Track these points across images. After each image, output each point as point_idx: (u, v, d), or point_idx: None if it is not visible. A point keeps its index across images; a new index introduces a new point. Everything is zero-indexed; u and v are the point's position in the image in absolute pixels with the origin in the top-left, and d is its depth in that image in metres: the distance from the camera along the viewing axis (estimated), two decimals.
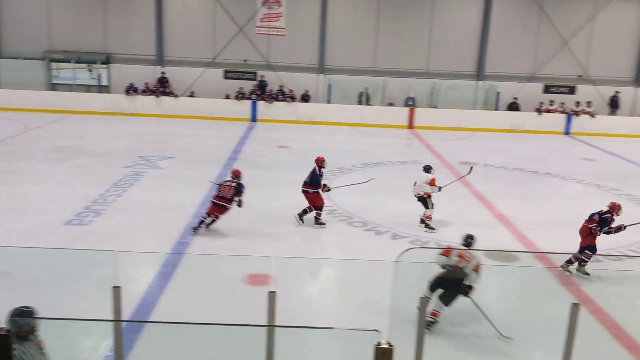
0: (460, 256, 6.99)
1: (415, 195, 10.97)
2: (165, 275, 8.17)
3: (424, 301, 3.70)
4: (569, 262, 8.94)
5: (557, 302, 5.38)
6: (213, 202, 9.97)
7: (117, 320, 3.87)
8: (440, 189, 10.98)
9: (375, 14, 24.11)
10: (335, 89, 23.98)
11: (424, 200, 10.86)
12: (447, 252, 7.17)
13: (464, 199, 13.00)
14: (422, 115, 22.88)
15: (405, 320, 5.16)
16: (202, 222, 9.91)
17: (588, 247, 8.87)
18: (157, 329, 6.36)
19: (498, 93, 24.01)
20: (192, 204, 11.52)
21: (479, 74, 24.53)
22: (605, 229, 8.91)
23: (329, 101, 23.92)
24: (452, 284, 6.74)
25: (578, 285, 8.08)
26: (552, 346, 4.82)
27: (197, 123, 21.90)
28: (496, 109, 24.03)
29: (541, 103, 23.38)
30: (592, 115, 22.74)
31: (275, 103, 22.94)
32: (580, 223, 11.52)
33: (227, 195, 9.96)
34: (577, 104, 23.16)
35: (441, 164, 16.49)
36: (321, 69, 24.34)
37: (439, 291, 6.71)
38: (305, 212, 10.76)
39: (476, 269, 6.87)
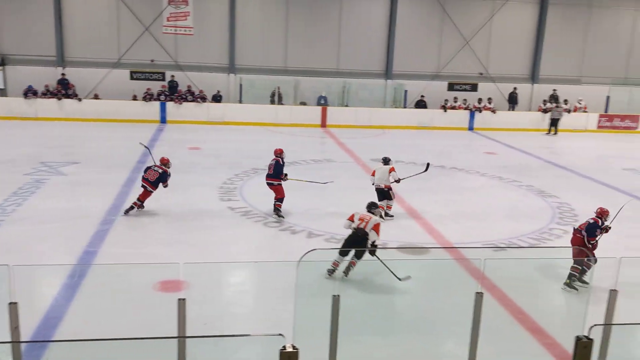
0: (361, 219, 8.29)
1: (375, 187, 11.43)
2: (72, 287, 7.74)
3: (336, 300, 3.71)
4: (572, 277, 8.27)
5: (465, 292, 5.61)
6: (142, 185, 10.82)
7: (13, 342, 3.60)
8: (399, 180, 11.53)
9: (284, 13, 24.11)
10: (246, 89, 23.78)
11: (385, 192, 11.39)
12: (351, 217, 8.43)
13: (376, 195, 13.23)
14: (335, 113, 23.14)
15: (311, 322, 5.18)
16: (132, 207, 10.75)
17: (579, 259, 8.35)
18: (63, 345, 6.00)
19: (406, 91, 24.71)
20: (99, 210, 11.01)
21: (388, 73, 25.14)
22: (597, 232, 8.53)
23: (240, 101, 23.69)
24: (357, 242, 8.08)
25: (484, 274, 8.42)
26: (463, 335, 4.99)
27: (102, 126, 21.00)
28: (405, 107, 24.72)
29: (446, 100, 24.30)
30: (493, 111, 23.89)
31: (186, 104, 22.42)
32: (485, 214, 12.11)
33: (150, 179, 10.79)
34: (479, 100, 24.26)
35: (354, 161, 16.75)
36: (232, 68, 24.05)
37: (349, 253, 8.02)
38: (278, 209, 11.24)
39: (374, 228, 8.13)
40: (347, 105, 24.24)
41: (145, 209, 11.08)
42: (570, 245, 8.72)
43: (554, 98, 25.12)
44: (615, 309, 4.44)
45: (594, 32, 26.30)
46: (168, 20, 23.18)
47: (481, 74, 25.85)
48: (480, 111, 23.89)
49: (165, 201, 11.96)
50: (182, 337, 3.45)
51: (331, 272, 8.00)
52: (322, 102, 23.82)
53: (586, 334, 3.19)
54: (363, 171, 15.61)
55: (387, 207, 11.44)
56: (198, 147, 17.82)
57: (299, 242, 9.91)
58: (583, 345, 3.14)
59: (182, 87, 23.13)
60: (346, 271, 8.00)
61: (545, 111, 24.14)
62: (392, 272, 7.57)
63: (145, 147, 13.00)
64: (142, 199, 10.86)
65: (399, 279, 7.58)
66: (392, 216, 11.49)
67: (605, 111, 25.73)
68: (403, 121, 23.54)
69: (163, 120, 22.20)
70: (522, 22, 25.84)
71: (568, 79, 26.41)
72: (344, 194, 13.23)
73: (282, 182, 11.30)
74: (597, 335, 3.84)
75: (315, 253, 7.92)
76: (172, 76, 23.23)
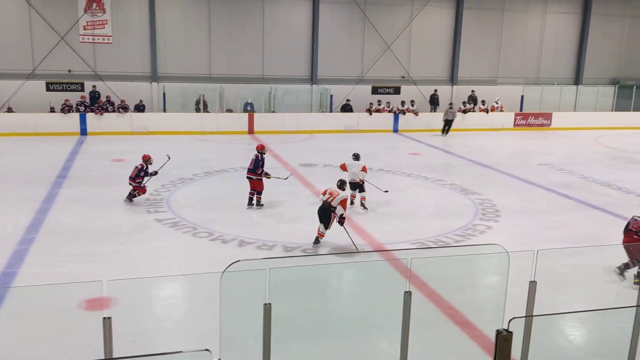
0: (330, 193, 9.91)
1: (350, 182, 12.09)
2: None
3: (267, 308, 3.67)
4: (627, 266, 8.67)
5: (397, 291, 5.72)
6: None
7: None
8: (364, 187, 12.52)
9: (206, 20, 23.81)
10: (170, 97, 23.27)
11: (359, 185, 12.35)
12: (324, 192, 10.01)
13: (306, 199, 13.28)
14: (262, 120, 23.05)
15: (243, 332, 5.13)
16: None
17: None
18: None
19: (331, 96, 24.97)
20: (16, 228, 10.44)
21: (313, 78, 25.31)
22: None
23: (164, 110, 23.15)
24: (325, 212, 9.87)
25: (414, 272, 8.60)
26: (396, 334, 5.08)
27: (18, 140, 19.96)
28: (331, 111, 24.97)
29: (371, 104, 24.73)
30: (415, 113, 24.54)
31: (107, 114, 21.66)
32: (412, 213, 12.39)
33: (132, 175, 12.21)
34: (402, 103, 24.85)
35: (283, 167, 16.73)
36: (154, 77, 23.48)
37: (322, 221, 9.88)
38: (251, 199, 12.38)
39: (342, 203, 9.83)
40: (273, 111, 24.20)
41: (68, 224, 10.64)
42: (621, 244, 8.95)
43: (472, 99, 26.09)
44: (535, 300, 4.64)
45: (507, 35, 27.56)
46: (85, 29, 22.37)
47: (403, 77, 26.50)
48: (404, 113, 24.47)
49: (89, 216, 11.51)
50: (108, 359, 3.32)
51: (317, 240, 10.02)
52: (249, 108, 23.68)
53: (506, 327, 3.31)
54: (292, 176, 15.62)
55: (362, 198, 12.41)
56: (122, 159, 17.25)
57: (230, 251, 9.78)
58: (503, 339, 3.25)
59: (103, 98, 22.35)
60: (315, 240, 10.08)
61: (464, 112, 25.03)
62: (353, 242, 9.49)
63: (168, 157, 13.85)
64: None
65: (356, 248, 9.63)
66: (367, 208, 12.28)
67: (520, 110, 26.99)
68: (330, 125, 23.76)
69: (84, 132, 21.36)
70: (439, 26, 26.71)
71: (485, 80, 27.52)
72: (274, 200, 13.19)
73: (266, 178, 12.50)
74: (517, 328, 4.01)
75: (244, 262, 7.83)
76: (94, 86, 22.41)
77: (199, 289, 8.21)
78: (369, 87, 26.00)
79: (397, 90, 26.32)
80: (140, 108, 22.46)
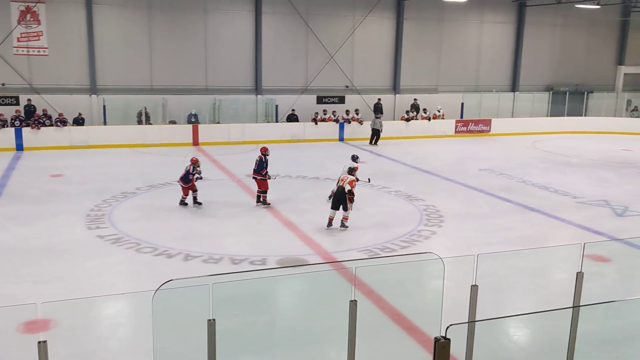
0: (342, 179, 11.85)
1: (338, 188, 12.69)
2: None
3: (212, 324, 3.60)
4: None
5: (345, 300, 5.74)
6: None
7: None
8: (357, 179, 13.05)
9: (146, 31, 23.39)
10: (111, 110, 22.65)
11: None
12: (337, 181, 11.97)
13: (253, 211, 13.19)
14: (206, 131, 22.77)
15: (182, 352, 5.02)
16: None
17: None
18: None
19: (277, 106, 24.93)
20: None
21: (258, 88, 25.22)
22: None
23: (105, 123, 22.52)
24: (337, 197, 11.66)
25: (362, 280, 8.65)
26: (344, 343, 5.07)
27: None
28: (277, 121, 24.92)
29: (316, 113, 24.84)
30: (360, 122, 24.79)
31: (44, 129, 20.90)
32: (359, 221, 12.47)
33: (181, 176, 13.13)
34: (347, 112, 25.08)
35: (229, 178, 16.56)
36: (93, 89, 22.85)
37: (335, 206, 11.64)
38: (259, 197, 13.43)
39: (350, 183, 11.71)
40: (218, 122, 23.96)
41: (6, 244, 10.19)
42: None
43: (414, 107, 26.60)
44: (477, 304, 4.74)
45: (446, 44, 28.29)
46: (19, 41, 21.58)
47: (347, 86, 26.76)
48: (349, 122, 24.69)
49: (27, 235, 11.05)
50: None
51: (329, 224, 11.74)
52: (193, 119, 23.35)
53: (444, 334, 3.35)
54: (238, 187, 15.49)
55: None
56: (61, 174, 16.68)
57: (175, 266, 9.58)
58: (441, 346, 3.29)
59: (40, 111, 21.56)
60: (342, 224, 11.78)
61: (407, 120, 25.48)
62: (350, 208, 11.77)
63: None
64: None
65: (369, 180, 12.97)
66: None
67: (461, 117, 27.69)
68: (276, 135, 23.70)
69: (19, 147, 20.51)
70: (381, 36, 27.15)
71: (426, 89, 28.12)
72: (220, 212, 13.04)
73: (267, 178, 13.44)
74: (461, 332, 4.07)
75: (180, 280, 7.68)
76: (29, 100, 21.60)
77: (147, 306, 7.98)
78: (313, 97, 26.12)
79: (341, 100, 26.55)
80: (79, 121, 21.79)
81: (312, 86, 26.12)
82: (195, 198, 13.36)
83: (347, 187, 11.64)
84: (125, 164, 18.49)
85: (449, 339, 3.31)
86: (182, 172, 13.37)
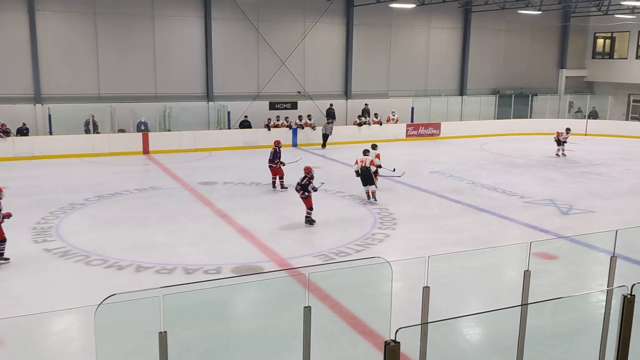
0: (362, 160, 14.58)
1: (361, 168, 14.65)
2: None
3: (163, 336, 3.53)
4: None
5: (300, 306, 5.73)
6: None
7: None
8: (380, 166, 15.34)
9: (92, 38, 22.84)
10: (57, 119, 21.99)
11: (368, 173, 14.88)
12: (356, 162, 14.71)
13: (206, 219, 13.03)
14: (157, 139, 22.39)
15: None
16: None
17: None
18: None
19: (229, 112, 24.73)
20: None
21: (209, 95, 24.98)
22: None
23: (51, 133, 21.85)
24: (364, 175, 14.48)
25: (317, 285, 8.66)
26: (301, 349, 5.05)
27: None
28: (229, 128, 24.73)
29: (269, 119, 24.76)
30: (313, 127, 24.86)
31: None
32: (314, 226, 12.49)
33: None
34: (300, 117, 25.11)
35: (181, 186, 16.32)
36: (38, 98, 22.15)
37: (366, 183, 14.42)
38: (274, 183, 15.78)
39: (371, 162, 14.48)
40: (169, 130, 23.59)
41: None
42: None
43: (366, 112, 26.86)
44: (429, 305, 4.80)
45: (395, 49, 28.72)
46: None
47: (299, 92, 26.82)
48: (302, 128, 24.72)
49: None
50: None
51: (367, 197, 14.52)
52: (143, 128, 22.92)
53: (393, 338, 3.38)
54: (191, 196, 15.28)
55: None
56: (4, 187, 16.01)
57: (126, 278, 9.36)
58: (391, 350, 3.31)
59: None
60: (373, 197, 14.48)
61: (360, 125, 25.71)
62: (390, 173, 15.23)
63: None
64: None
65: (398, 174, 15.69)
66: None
67: (412, 121, 28.15)
68: (229, 142, 23.50)
69: None
70: (331, 42, 27.34)
71: (377, 94, 28.47)
72: (172, 220, 12.83)
73: (281, 166, 15.65)
74: (414, 334, 4.13)
75: (115, 299, 7.52)
76: None
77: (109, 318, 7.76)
78: (266, 103, 26.05)
79: (294, 105, 26.58)
80: (23, 132, 21.06)
81: (264, 92, 26.05)
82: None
83: (373, 168, 14.43)
84: (72, 175, 17.98)
85: (399, 342, 3.34)
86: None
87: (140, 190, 15.80)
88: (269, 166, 15.90)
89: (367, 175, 14.44)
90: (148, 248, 10.90)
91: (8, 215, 9.90)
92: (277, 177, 15.85)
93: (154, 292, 3.70)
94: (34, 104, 22.13)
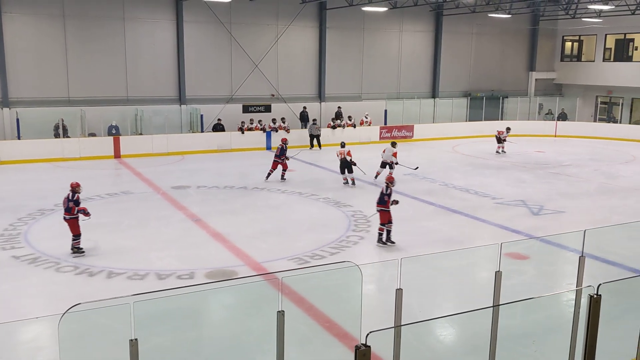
0: (340, 153, 17.04)
1: (383, 161, 17.58)
2: None
3: (134, 344, 3.49)
4: None
5: (275, 310, 5.71)
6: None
7: None
8: (397, 163, 17.61)
9: (61, 41, 22.45)
10: (25, 124, 21.55)
11: (388, 164, 17.51)
12: (337, 154, 17.28)
13: (179, 223, 12.91)
14: (128, 143, 22.10)
15: None
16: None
17: None
18: None
19: (202, 115, 24.56)
20: None
21: (181, 98, 24.77)
22: None
23: (19, 137, 21.40)
24: (344, 164, 16.95)
25: (292, 288, 8.65)
26: (274, 353, 5.04)
27: None
28: (202, 131, 24.55)
29: (243, 122, 24.66)
30: (287, 130, 24.82)
31: None
32: (289, 230, 12.47)
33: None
34: (274, 120, 25.06)
35: (154, 191, 16.15)
36: (5, 102, 21.68)
37: (344, 171, 16.93)
38: (269, 175, 17.43)
39: (348, 154, 16.82)
40: (141, 133, 23.32)
41: None
42: None
43: (339, 115, 26.93)
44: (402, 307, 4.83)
45: (368, 52, 28.86)
46: None
47: (273, 95, 26.76)
48: (276, 131, 24.66)
49: None
50: None
51: (345, 183, 16.98)
52: (114, 131, 22.61)
53: (364, 342, 3.39)
54: (163, 200, 15.13)
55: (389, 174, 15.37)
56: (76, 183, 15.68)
57: (98, 285, 9.23)
58: (362, 354, 3.32)
59: None
60: (352, 182, 16.99)
61: (333, 127, 25.77)
62: (360, 169, 17.41)
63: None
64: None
65: (413, 169, 18.24)
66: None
67: (385, 123, 28.31)
68: (202, 145, 23.34)
69: None
70: (305, 45, 27.35)
71: (351, 96, 28.57)
72: (144, 225, 12.69)
73: (286, 160, 17.47)
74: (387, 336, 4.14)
75: (80, 308, 7.42)
76: None
77: (73, 328, 7.63)
78: (239, 106, 25.93)
79: (267, 108, 26.50)
80: None
81: (237, 95, 25.94)
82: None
83: (348, 158, 16.90)
84: (42, 180, 17.64)
85: (369, 346, 3.35)
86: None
87: (111, 195, 15.58)
88: (274, 160, 17.52)
89: (346, 165, 16.89)
90: (120, 254, 10.76)
91: (84, 210, 10.66)
92: (282, 170, 17.42)
93: (124, 299, 3.65)
94: (2, 108, 21.66)
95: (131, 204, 14.70)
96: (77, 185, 10.74)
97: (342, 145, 17.73)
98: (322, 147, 24.43)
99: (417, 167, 18.88)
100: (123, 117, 23.01)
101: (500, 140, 24.01)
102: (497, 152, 23.79)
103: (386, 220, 11.46)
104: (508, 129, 24.35)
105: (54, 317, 7.71)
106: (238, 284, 8.33)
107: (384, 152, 17.98)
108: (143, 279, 9.50)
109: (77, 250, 10.52)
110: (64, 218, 10.60)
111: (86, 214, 10.65)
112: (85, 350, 5.38)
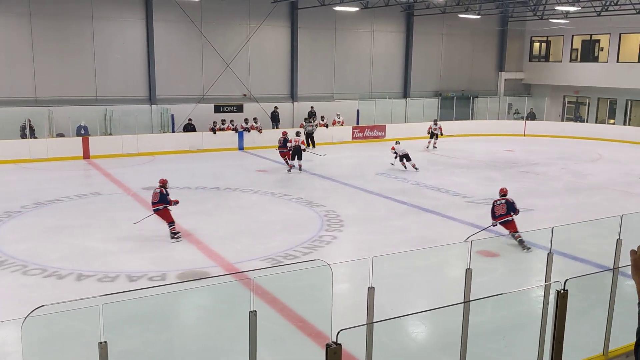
0: (295, 141, 19.02)
1: (294, 147, 19.17)
2: None
3: (103, 347, 3.44)
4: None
5: (247, 311, 5.69)
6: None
7: None
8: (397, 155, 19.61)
9: (28, 39, 22.00)
10: None
11: (407, 156, 19.46)
12: (290, 140, 19.38)
13: (151, 225, 12.74)
14: (98, 143, 21.76)
15: None
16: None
17: None
18: None
19: (172, 115, 24.33)
20: None
21: (151, 98, 24.49)
22: None
23: None
24: (296, 151, 18.87)
25: (265, 289, 8.63)
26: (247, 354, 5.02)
27: None
28: (173, 131, 24.32)
29: (214, 122, 24.49)
30: (259, 130, 24.75)
31: None
32: (261, 230, 12.44)
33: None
34: (246, 121, 24.95)
35: (124, 192, 15.93)
36: None
37: (294, 157, 18.98)
38: (287, 162, 19.58)
39: (302, 143, 19.40)
40: (110, 134, 22.99)
41: None
42: None
43: (311, 115, 26.92)
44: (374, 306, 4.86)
45: (340, 52, 28.93)
46: None
47: (245, 95, 26.66)
48: (248, 131, 24.57)
49: None
50: None
51: (289, 170, 19.02)
52: (83, 132, 22.24)
53: (335, 340, 3.42)
54: (134, 201, 14.94)
55: (412, 165, 19.47)
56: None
57: (67, 288, 9.07)
58: (333, 352, 3.34)
59: None
60: (300, 168, 19.03)
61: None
62: (316, 153, 19.12)
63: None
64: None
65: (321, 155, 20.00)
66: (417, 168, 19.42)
67: (357, 123, 28.43)
68: (173, 146, 23.12)
69: None
70: (276, 44, 27.30)
71: (323, 96, 28.62)
72: (114, 227, 12.51)
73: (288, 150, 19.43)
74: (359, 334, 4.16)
75: (43, 310, 7.30)
76: None
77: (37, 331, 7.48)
78: (211, 106, 25.76)
79: (239, 108, 26.38)
80: None
81: (209, 95, 25.76)
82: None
83: (302, 146, 19.43)
84: (8, 182, 17.26)
85: (340, 344, 3.38)
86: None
87: (80, 196, 15.33)
88: (280, 151, 19.85)
89: (297, 151, 18.98)
90: (89, 256, 10.60)
91: (176, 202, 11.91)
92: (297, 158, 19.13)
93: (93, 300, 3.60)
94: None
95: (101, 206, 14.49)
96: (166, 181, 12.13)
97: (297, 134, 19.86)
98: (315, 146, 24.48)
99: (325, 154, 21.14)
100: (92, 117, 22.65)
101: (433, 134, 24.78)
102: (426, 147, 24.68)
103: (515, 228, 11.20)
104: (435, 122, 25.19)
105: (20, 321, 7.57)
106: (210, 284, 8.27)
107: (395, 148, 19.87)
108: (113, 281, 9.37)
109: (174, 235, 11.65)
110: (156, 210, 11.73)
111: (176, 203, 11.93)
112: (51, 354, 5.29)
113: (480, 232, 11.78)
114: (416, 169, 19.32)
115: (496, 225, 11.43)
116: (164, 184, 11.98)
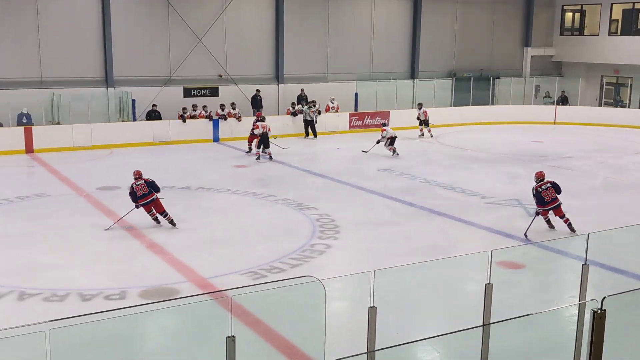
0: (264, 127, 20.32)
1: (262, 134, 20.25)
2: None
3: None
4: None
5: (224, 333, 5.68)
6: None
7: None
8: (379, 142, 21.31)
9: None
10: None
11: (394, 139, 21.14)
12: (257, 127, 20.37)
13: (108, 233, 12.73)
14: (43, 134, 21.68)
15: None
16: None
17: None
18: None
19: (134, 100, 24.27)
20: None
21: (108, 80, 24.43)
22: None
23: None
24: (265, 138, 20.29)
25: (246, 309, 8.63)
26: None
27: None
28: (134, 120, 24.26)
29: (184, 109, 24.42)
30: (238, 118, 24.69)
31: None
32: (240, 238, 12.45)
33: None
34: (222, 106, 24.90)
35: (76, 193, 15.89)
36: None
37: (261, 144, 20.41)
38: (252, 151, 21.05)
39: (269, 129, 20.46)
40: (58, 123, 22.92)
41: None
42: None
43: (302, 99, 26.90)
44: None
45: (334, 25, 28.94)
46: None
47: (220, 76, 26.63)
48: (224, 119, 24.53)
49: None
50: None
51: (258, 159, 20.36)
52: (25, 120, 22.16)
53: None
54: (87, 204, 14.90)
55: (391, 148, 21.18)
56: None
57: (6, 308, 9.05)
58: None
59: None
60: (270, 157, 20.34)
61: (294, 114, 25.75)
62: (277, 145, 20.83)
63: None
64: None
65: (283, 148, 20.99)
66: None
67: (355, 109, 28.44)
68: (135, 137, 23.06)
69: None
70: (259, 16, 27.27)
71: (315, 77, 28.63)
72: (64, 235, 12.48)
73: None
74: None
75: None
76: None
77: None
78: (180, 89, 25.72)
79: (214, 92, 26.36)
80: None
81: (177, 76, 25.71)
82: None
83: (270, 133, 20.77)
84: None
85: None
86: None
87: (22, 198, 15.28)
88: (251, 134, 21.18)
89: (265, 139, 20.24)
90: (33, 270, 10.58)
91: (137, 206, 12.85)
92: (263, 147, 20.23)
93: (39, 326, 3.59)
94: None
95: (47, 210, 14.45)
96: (141, 172, 13.14)
97: (263, 119, 20.90)
98: (317, 136, 25.04)
99: (289, 147, 21.76)
100: (36, 103, 22.54)
101: (421, 121, 25.58)
102: (419, 136, 25.68)
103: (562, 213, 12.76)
104: (420, 105, 25.93)
105: None
106: (179, 304, 8.25)
107: (383, 131, 21.46)
108: (63, 300, 9.36)
109: (171, 221, 12.86)
110: (149, 202, 12.78)
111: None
112: None
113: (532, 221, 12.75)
114: (397, 154, 21.00)
115: (548, 212, 12.75)
116: (140, 174, 12.94)
